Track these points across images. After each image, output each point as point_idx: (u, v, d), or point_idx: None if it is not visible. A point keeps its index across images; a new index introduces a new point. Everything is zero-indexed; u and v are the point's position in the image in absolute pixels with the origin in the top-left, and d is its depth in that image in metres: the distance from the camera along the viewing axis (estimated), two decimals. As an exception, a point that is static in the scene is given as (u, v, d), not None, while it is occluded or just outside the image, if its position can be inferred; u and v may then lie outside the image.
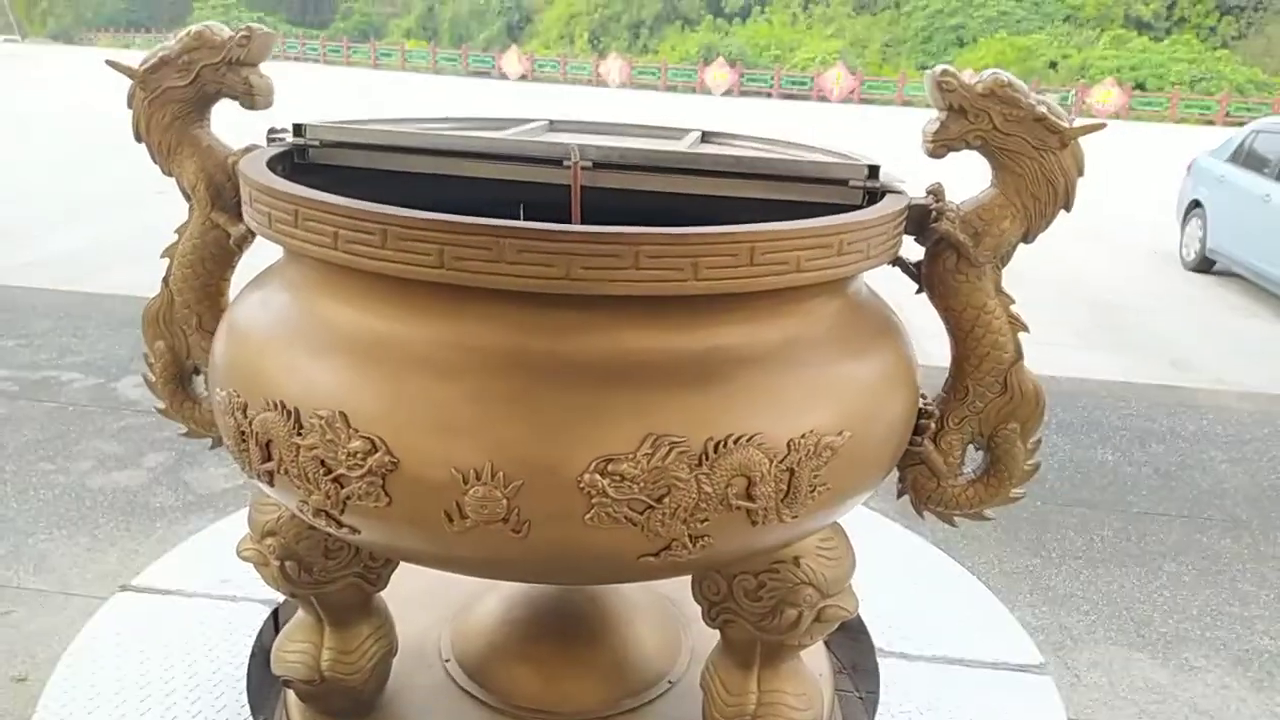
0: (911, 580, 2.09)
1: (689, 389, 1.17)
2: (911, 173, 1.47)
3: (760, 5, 43.73)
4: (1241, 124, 9.99)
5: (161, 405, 1.73)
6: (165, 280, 1.67)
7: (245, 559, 1.54)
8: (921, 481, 1.58)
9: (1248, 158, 7.69)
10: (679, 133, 1.92)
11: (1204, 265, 7.94)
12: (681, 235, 1.11)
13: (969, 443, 1.56)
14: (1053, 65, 36.75)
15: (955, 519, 1.62)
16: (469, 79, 38.40)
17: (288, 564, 1.49)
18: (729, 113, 24.29)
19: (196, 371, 1.72)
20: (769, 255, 1.15)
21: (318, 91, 22.51)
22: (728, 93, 37.11)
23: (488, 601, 1.84)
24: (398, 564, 1.56)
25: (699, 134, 1.90)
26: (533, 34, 48.16)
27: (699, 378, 1.18)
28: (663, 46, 43.49)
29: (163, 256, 1.65)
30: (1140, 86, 34.37)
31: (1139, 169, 14.42)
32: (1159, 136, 22.39)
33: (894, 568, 2.12)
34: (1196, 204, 8.19)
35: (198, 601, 1.92)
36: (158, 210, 7.77)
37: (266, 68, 1.59)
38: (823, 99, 36.17)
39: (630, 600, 1.83)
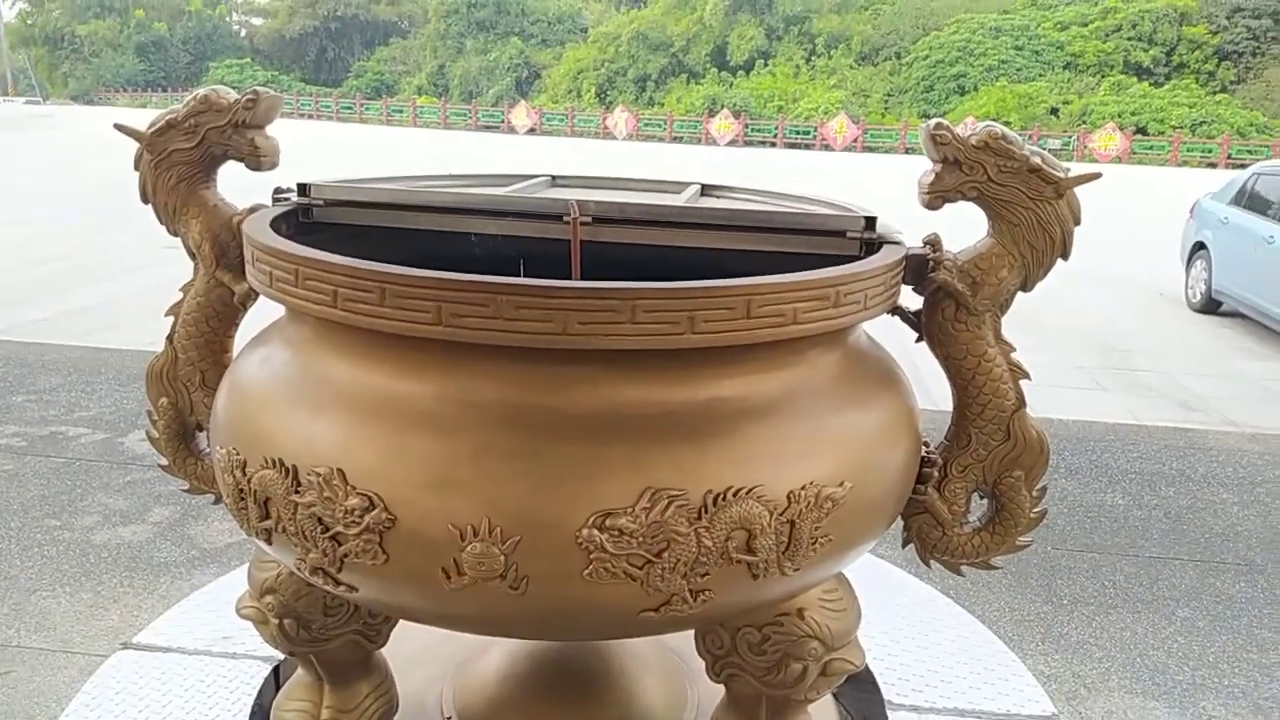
0: (920, 630, 2.06)
1: (687, 442, 1.16)
2: (917, 221, 1.48)
3: (764, 58, 44.47)
4: (1244, 166, 10.04)
5: (164, 462, 1.74)
6: (169, 338, 1.68)
7: (245, 617, 1.53)
8: (927, 530, 1.56)
9: (1250, 200, 7.72)
10: (679, 186, 1.94)
11: (1210, 306, 7.93)
12: (677, 290, 1.11)
13: (973, 491, 1.55)
14: (1054, 111, 37.15)
15: (962, 568, 1.61)
16: (479, 133, 39.01)
17: (287, 622, 1.47)
18: (737, 162, 24.58)
19: (199, 428, 1.73)
20: (766, 308, 1.16)
21: (333, 147, 22.89)
22: (732, 143, 37.60)
23: (490, 657, 1.81)
24: (397, 621, 1.55)
25: (698, 187, 1.92)
26: (541, 89, 49.03)
27: (697, 430, 1.18)
28: (668, 99, 44.19)
29: (167, 314, 1.67)
30: (1141, 131, 34.68)
31: (1142, 212, 14.49)
32: (1161, 179, 22.52)
33: (902, 617, 2.09)
34: (1201, 246, 8.21)
35: (198, 659, 1.90)
36: (167, 269, 7.87)
37: (280, 125, 1.62)
38: (826, 148, 36.61)
39: (634, 654, 1.80)
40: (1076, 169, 1.42)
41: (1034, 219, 1.42)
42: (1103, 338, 6.76)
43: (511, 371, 1.17)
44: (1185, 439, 4.40)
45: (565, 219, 1.52)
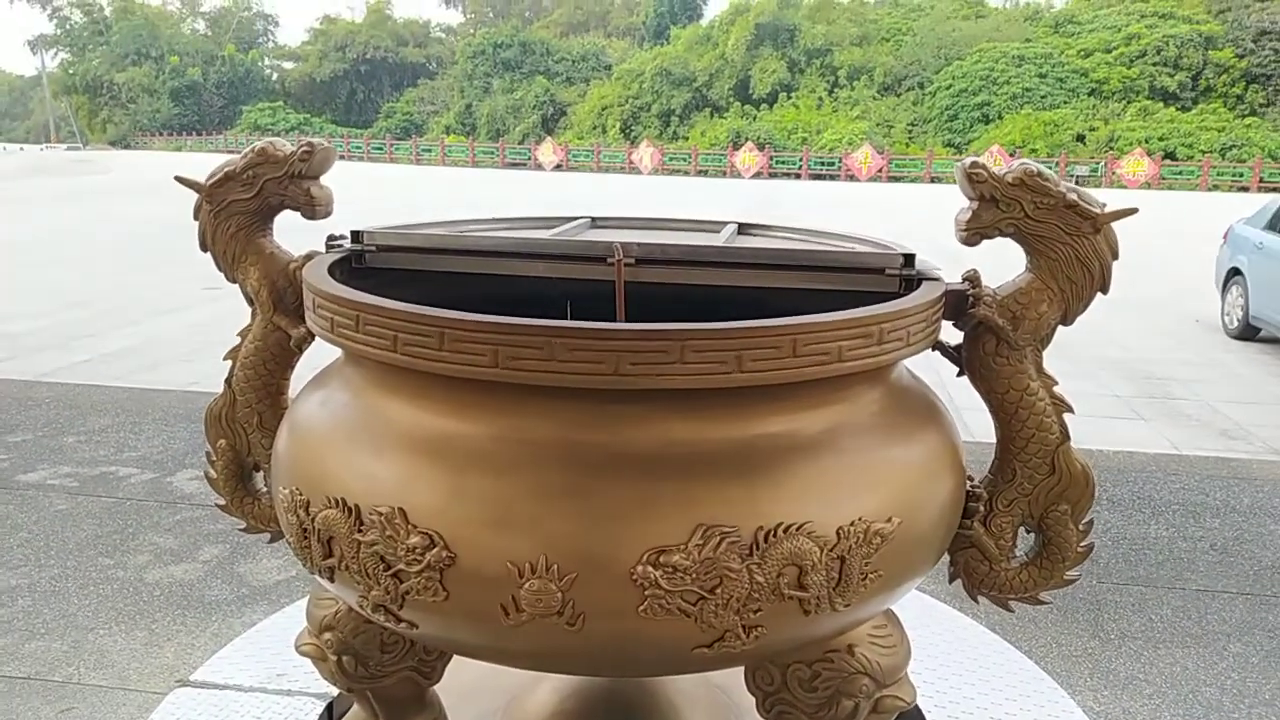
0: (968, 666, 2.05)
1: (737, 479, 1.19)
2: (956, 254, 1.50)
3: (786, 91, 44.78)
4: (1277, 189, 9.95)
5: (222, 501, 1.78)
6: (228, 381, 1.73)
7: (304, 654, 1.57)
8: (974, 565, 1.57)
9: (1286, 224, 7.65)
10: (716, 225, 1.98)
11: (1248, 333, 7.83)
12: (725, 330, 1.15)
13: (1019, 525, 1.56)
14: (1080, 138, 36.98)
15: (1010, 603, 1.61)
16: (506, 170, 39.53)
17: (345, 658, 1.51)
18: (768, 194, 24.67)
19: (256, 468, 1.78)
20: (810, 346, 1.18)
21: (371, 184, 23.29)
22: (757, 175, 37.78)
23: (539, 693, 1.83)
24: (451, 657, 1.58)
25: (735, 226, 1.96)
26: (566, 126, 49.66)
27: (746, 467, 1.20)
28: (693, 133, 44.56)
29: (225, 359, 1.72)
30: (1170, 156, 34.40)
31: (1173, 238, 14.35)
32: (1192, 205, 22.31)
33: (949, 653, 2.08)
34: (1236, 271, 8.12)
35: (254, 696, 1.93)
36: (201, 310, 8.03)
37: (339, 171, 1.68)
38: (851, 178, 36.66)
39: (682, 691, 1.81)
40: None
41: (1072, 254, 1.44)
42: (1139, 366, 6.69)
43: (565, 411, 1.20)
44: (1228, 469, 4.34)
45: (609, 261, 1.56)
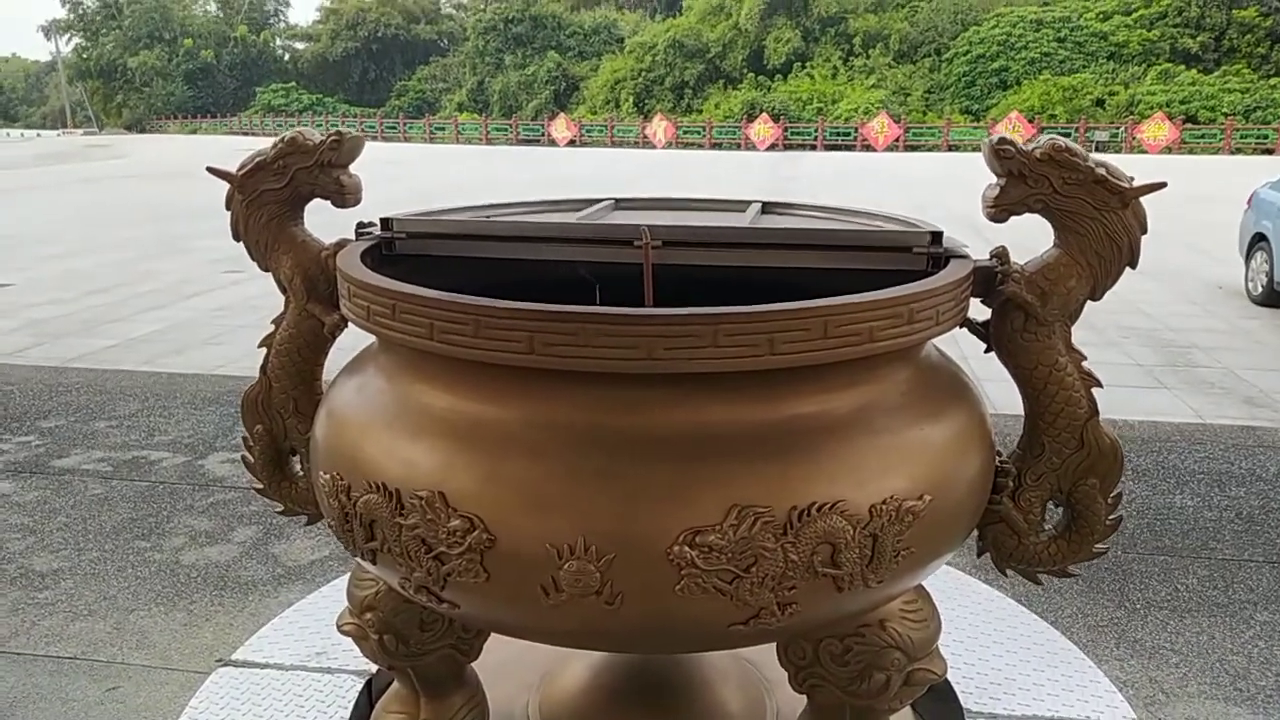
0: (995, 638, 2.07)
1: (770, 460, 1.21)
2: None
3: (801, 60, 44.29)
4: (1303, 152, 9.78)
5: (260, 485, 1.82)
6: (263, 368, 1.76)
7: (345, 633, 1.60)
8: (1003, 540, 1.58)
9: (1312, 188, 7.53)
10: (741, 205, 1.99)
11: (1272, 299, 7.74)
12: (757, 313, 1.16)
13: (1048, 499, 1.57)
14: (1099, 103, 36.41)
15: (1039, 576, 1.62)
16: (520, 147, 39.40)
17: (386, 637, 1.54)
18: (789, 166, 24.47)
19: (293, 452, 1.81)
20: (842, 328, 1.19)
21: (385, 165, 23.35)
22: (772, 147, 37.47)
23: (574, 668, 1.87)
24: (489, 634, 1.61)
25: (760, 205, 1.97)
26: (579, 101, 49.37)
27: (779, 448, 1.22)
28: (706, 106, 44.21)
29: (260, 346, 1.74)
30: (1191, 119, 33.83)
31: (1196, 203, 14.17)
32: (1214, 169, 21.97)
33: (977, 625, 2.10)
34: (1261, 237, 8.01)
35: (295, 674, 1.98)
36: (222, 294, 8.09)
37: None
38: (868, 148, 36.31)
39: (713, 665, 1.85)
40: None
41: (1101, 229, 1.43)
42: (1161, 334, 6.64)
43: (599, 395, 1.22)
44: (1253, 437, 4.31)
45: (636, 244, 1.57)
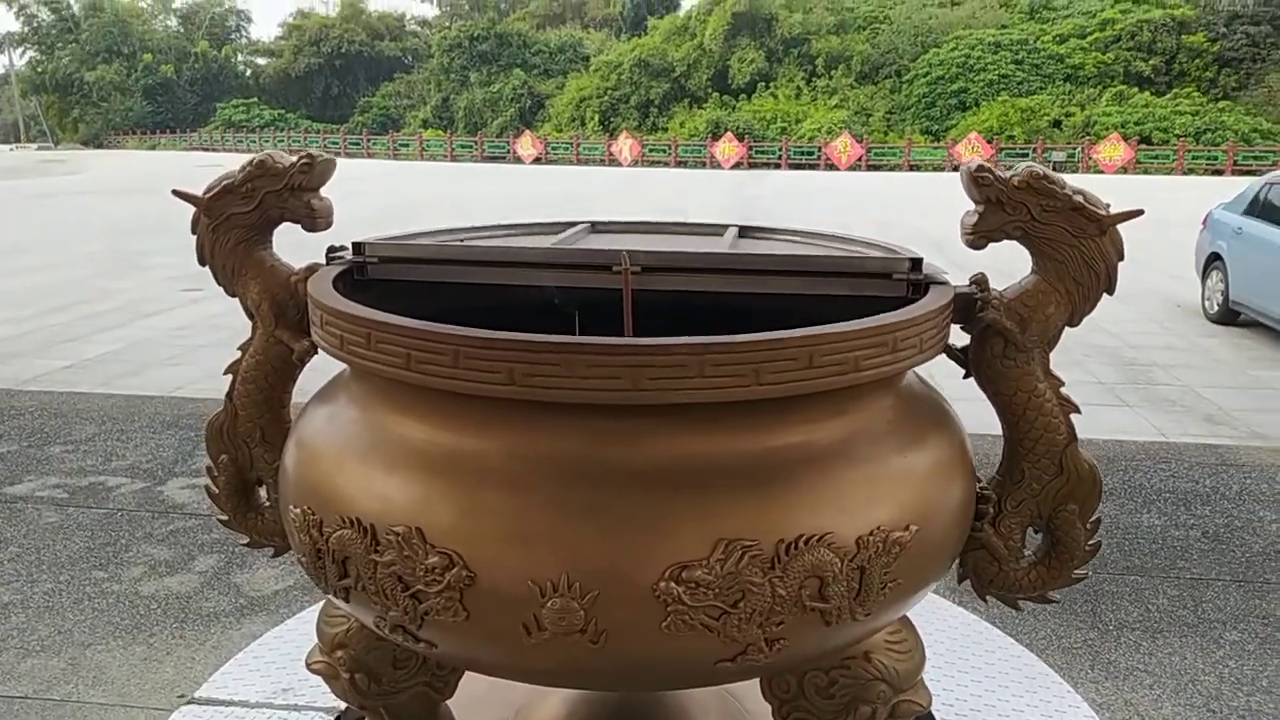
0: (974, 663, 2.07)
1: (756, 492, 1.19)
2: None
3: (765, 80, 44.76)
4: (1251, 173, 10.07)
5: (225, 517, 1.76)
6: (229, 396, 1.71)
7: (315, 672, 1.56)
8: (983, 566, 1.58)
9: (1264, 209, 7.73)
10: (718, 229, 1.98)
11: (1228, 317, 7.92)
12: (743, 343, 1.14)
13: (1028, 525, 1.57)
14: (1057, 124, 37.20)
15: (1018, 602, 1.62)
16: (485, 164, 39.34)
17: (358, 676, 1.50)
18: (754, 184, 24.66)
19: (259, 483, 1.76)
20: (827, 357, 1.18)
21: (352, 181, 23.08)
22: (737, 165, 37.78)
23: (550, 703, 1.83)
24: (464, 671, 1.57)
25: (736, 229, 1.96)
26: (545, 118, 49.42)
27: (763, 480, 1.20)
28: (672, 124, 44.46)
29: (226, 373, 1.70)
30: (1146, 140, 34.69)
31: (1151, 222, 14.46)
32: (1169, 188, 22.50)
33: (954, 650, 2.09)
34: (1216, 257, 8.20)
35: (260, 712, 1.92)
36: (186, 313, 7.93)
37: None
38: (831, 167, 36.75)
39: (693, 698, 1.81)
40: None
41: (1079, 256, 1.44)
42: (1121, 352, 6.74)
43: (580, 427, 1.19)
44: (1216, 455, 4.38)
45: (615, 269, 1.55)
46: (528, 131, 45.54)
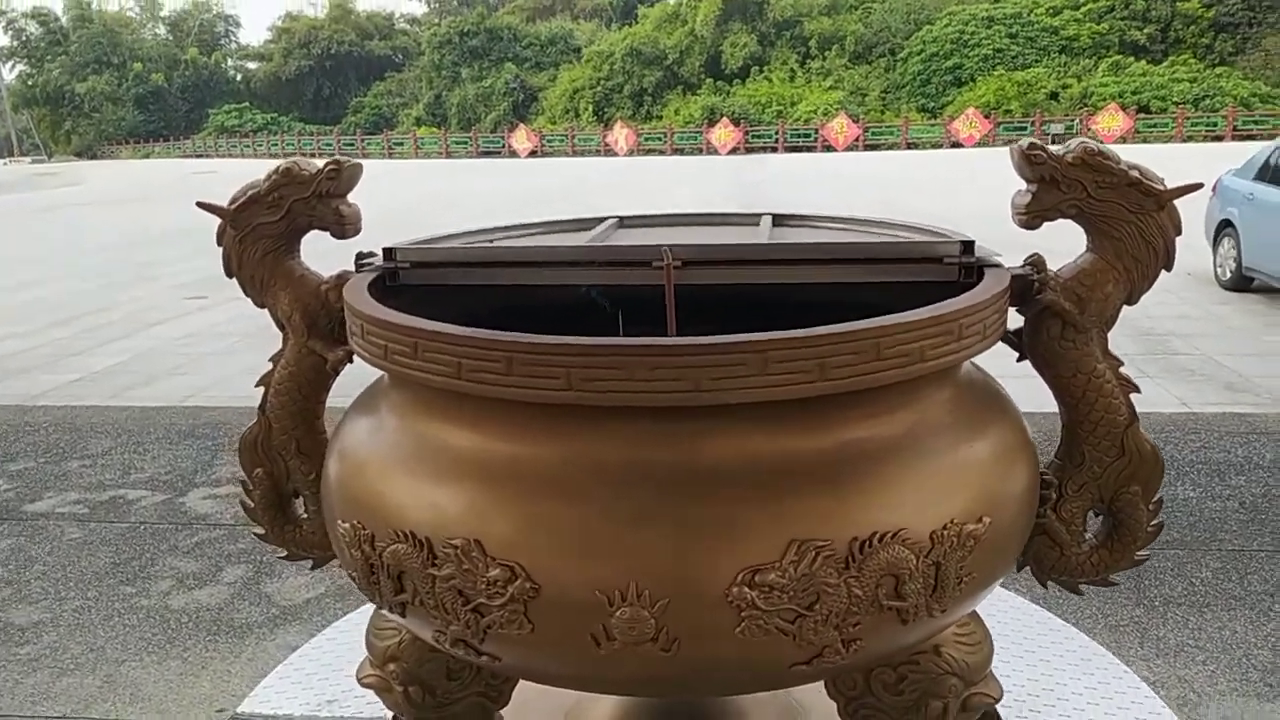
0: (1027, 646, 2.03)
1: (824, 490, 1.15)
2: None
3: (758, 64, 44.57)
4: (1251, 138, 10.00)
5: (261, 531, 1.73)
6: (261, 408, 1.67)
7: (367, 685, 1.52)
8: (1045, 552, 1.54)
9: (1275, 174, 7.67)
10: (752, 219, 1.93)
11: (1241, 284, 7.87)
12: (807, 337, 1.10)
13: (1089, 509, 1.53)
14: (1054, 96, 37.03)
15: (1080, 586, 1.58)
16: (481, 160, 39.24)
17: (412, 689, 1.47)
18: (754, 168, 24.56)
19: (295, 495, 1.72)
20: (894, 348, 1.14)
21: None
22: (734, 150, 37.65)
23: (600, 706, 1.80)
24: (518, 680, 1.54)
25: (771, 218, 1.91)
26: (538, 111, 49.27)
27: (832, 477, 1.16)
28: (666, 112, 44.31)
29: (258, 385, 1.66)
30: (1144, 109, 34.52)
31: (1157, 191, 14.32)
32: (1170, 156, 22.38)
33: (1006, 635, 2.06)
34: (1227, 223, 8.15)
35: (307, 727, 1.89)
36: (191, 321, 7.91)
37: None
38: (828, 149, 36.61)
39: (750, 696, 1.78)
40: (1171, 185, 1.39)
41: (1136, 232, 1.40)
42: (1138, 322, 6.70)
43: (641, 430, 1.16)
44: (1245, 424, 4.35)
45: (655, 265, 1.51)
46: (522, 125, 45.41)
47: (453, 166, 33.06)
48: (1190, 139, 32.50)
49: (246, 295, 1.61)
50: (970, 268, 1.45)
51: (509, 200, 17.43)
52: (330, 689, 2.00)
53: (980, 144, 33.78)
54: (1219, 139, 31.56)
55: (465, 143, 45.31)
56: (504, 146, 43.46)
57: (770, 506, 1.13)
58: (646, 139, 40.73)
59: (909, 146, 35.73)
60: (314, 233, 1.54)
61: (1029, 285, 1.42)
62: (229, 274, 1.61)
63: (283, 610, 2.77)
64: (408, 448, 1.30)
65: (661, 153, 39.05)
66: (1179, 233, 1.42)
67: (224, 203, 1.57)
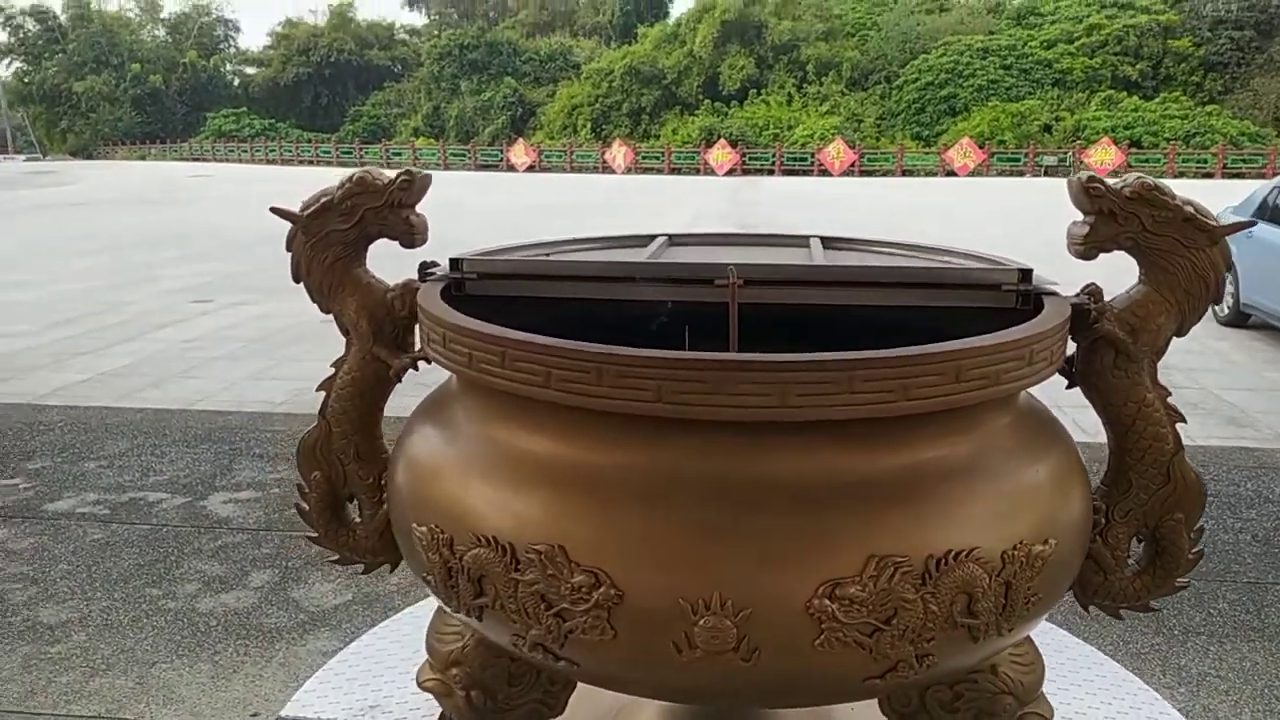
0: (1059, 670, 2.06)
1: (902, 507, 1.19)
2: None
3: (755, 87, 44.90)
4: (1240, 176, 10.14)
5: (315, 534, 1.75)
6: (322, 413, 1.70)
7: (427, 690, 1.54)
8: (1089, 576, 1.57)
9: (1273, 213, 7.80)
10: (801, 240, 1.98)
11: (1239, 320, 7.99)
12: (893, 358, 1.14)
13: (1134, 535, 1.57)
14: (1047, 129, 37.44)
15: (1120, 612, 1.62)
16: (479, 173, 39.31)
17: (474, 693, 1.49)
18: (752, 190, 24.65)
19: (350, 499, 1.75)
20: (974, 371, 1.18)
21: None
22: (731, 171, 37.86)
23: (646, 710, 1.82)
24: (576, 687, 1.56)
25: (820, 240, 1.96)
26: (536, 126, 49.44)
27: (909, 496, 1.20)
28: (664, 131, 44.54)
29: (319, 390, 1.69)
30: (1136, 144, 34.94)
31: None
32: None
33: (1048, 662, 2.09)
34: (1225, 260, 8.26)
35: (350, 731, 1.90)
36: (197, 325, 7.90)
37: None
38: (824, 173, 36.86)
39: (792, 711, 1.80)
40: (1224, 222, 1.45)
41: (1189, 266, 1.45)
42: (1137, 355, 6.77)
43: (725, 444, 1.19)
44: (1253, 459, 4.41)
45: (717, 283, 1.55)
46: (521, 139, 45.54)
47: (454, 179, 33.12)
48: (1182, 174, 32.89)
49: (313, 301, 1.64)
50: (1026, 295, 1.49)
51: (531, 213, 17.39)
52: (371, 695, 2.01)
53: (974, 173, 34.14)
54: (1209, 176, 31.96)
55: (464, 155, 45.42)
56: (502, 160, 43.57)
57: (850, 522, 1.16)
58: (644, 157, 40.93)
59: (904, 173, 36.03)
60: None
61: (1085, 314, 1.46)
62: (296, 279, 1.64)
63: (312, 616, 2.78)
64: (487, 454, 1.32)
65: (659, 171, 39.23)
66: (1229, 268, 1.47)
67: (295, 210, 1.60)
